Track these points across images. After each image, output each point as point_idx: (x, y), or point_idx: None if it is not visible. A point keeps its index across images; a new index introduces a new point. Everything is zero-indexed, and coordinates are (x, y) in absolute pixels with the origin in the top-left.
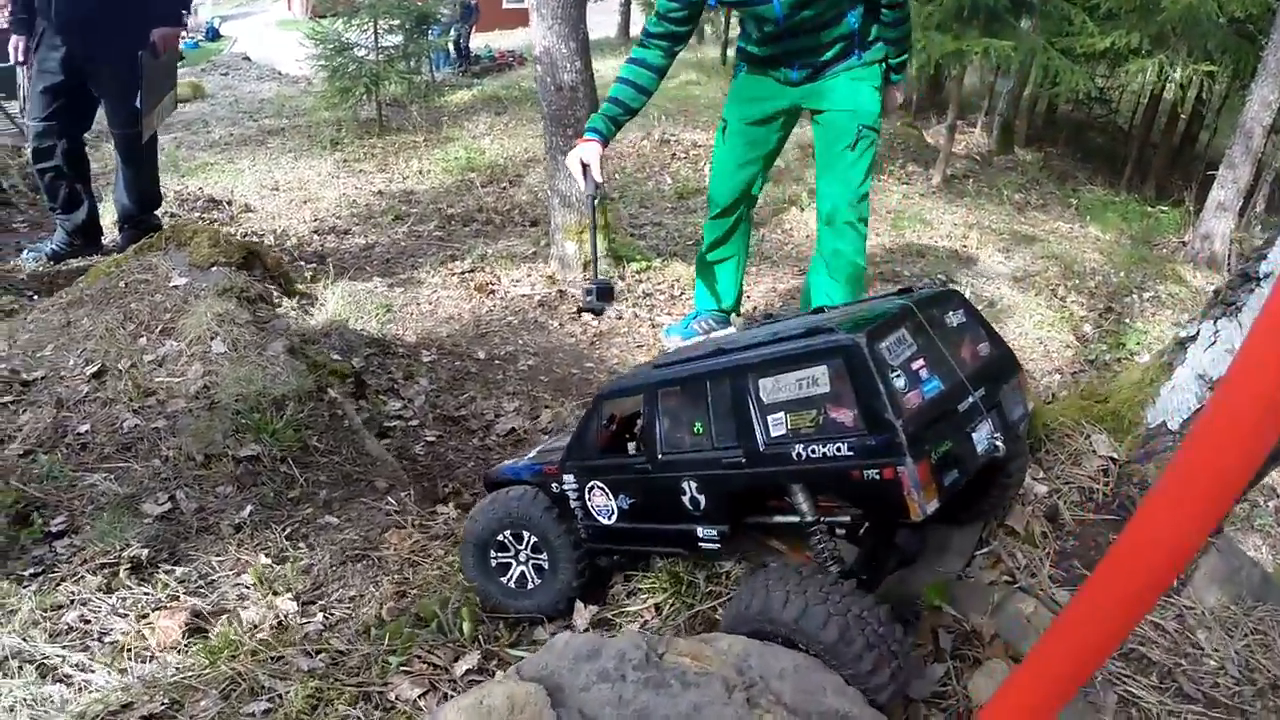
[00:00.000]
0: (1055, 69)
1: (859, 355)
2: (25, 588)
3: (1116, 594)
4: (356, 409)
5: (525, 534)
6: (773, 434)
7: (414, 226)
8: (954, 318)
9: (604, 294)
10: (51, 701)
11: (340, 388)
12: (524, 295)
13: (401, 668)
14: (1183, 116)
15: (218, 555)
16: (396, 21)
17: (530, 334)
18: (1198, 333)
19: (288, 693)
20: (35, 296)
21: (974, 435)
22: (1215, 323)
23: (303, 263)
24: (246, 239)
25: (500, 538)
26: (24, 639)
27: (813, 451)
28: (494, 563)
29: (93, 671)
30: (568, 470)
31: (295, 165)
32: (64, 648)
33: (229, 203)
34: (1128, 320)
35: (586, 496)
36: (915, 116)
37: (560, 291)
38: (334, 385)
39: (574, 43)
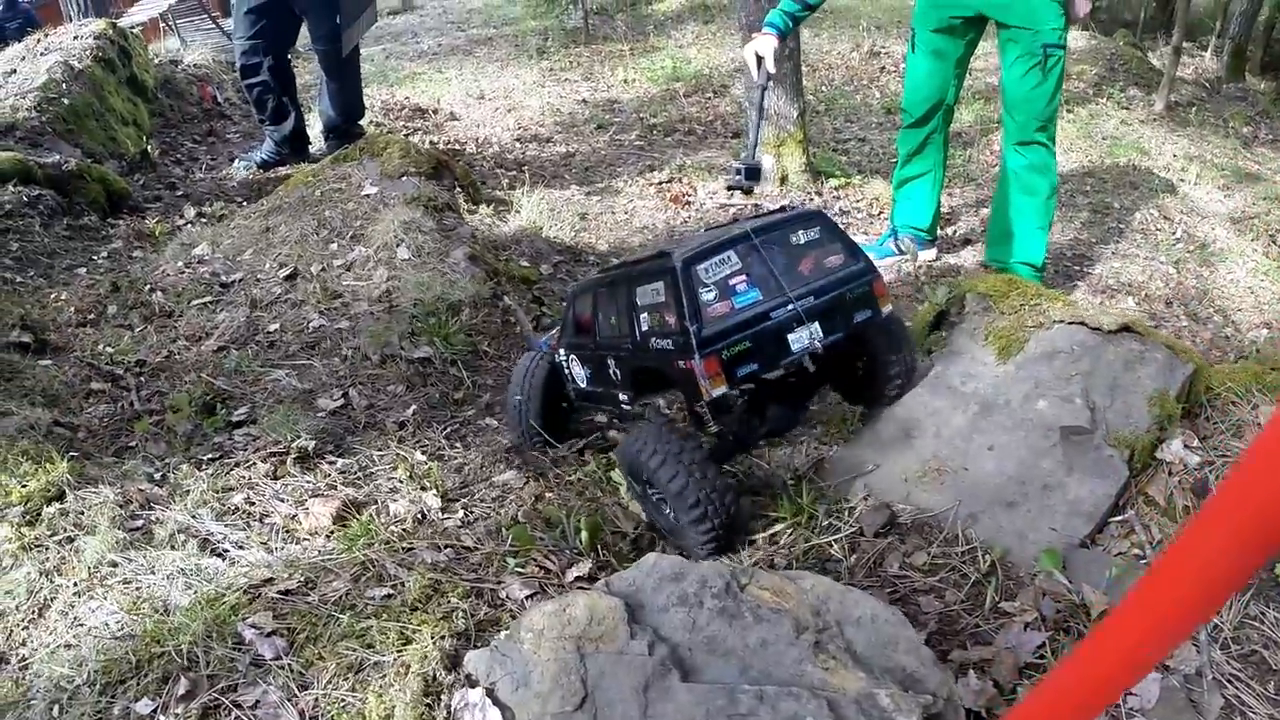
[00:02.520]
0: None
1: (674, 275)
2: (202, 471)
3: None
4: (539, 315)
5: (526, 384)
6: (642, 329)
7: (615, 136)
8: (804, 236)
9: (752, 174)
10: (205, 573)
11: (518, 294)
12: (719, 206)
13: (517, 569)
14: None
15: (379, 450)
16: None
17: None
18: None
19: (408, 581)
20: (244, 204)
21: (789, 336)
22: None
23: (501, 170)
24: (441, 147)
25: (518, 384)
26: (192, 516)
27: (658, 344)
28: (514, 399)
29: (247, 549)
30: (561, 346)
31: (501, 74)
32: (226, 526)
33: (435, 111)
34: None
35: (569, 366)
36: (1142, 36)
37: (756, 205)
38: (510, 293)
39: None
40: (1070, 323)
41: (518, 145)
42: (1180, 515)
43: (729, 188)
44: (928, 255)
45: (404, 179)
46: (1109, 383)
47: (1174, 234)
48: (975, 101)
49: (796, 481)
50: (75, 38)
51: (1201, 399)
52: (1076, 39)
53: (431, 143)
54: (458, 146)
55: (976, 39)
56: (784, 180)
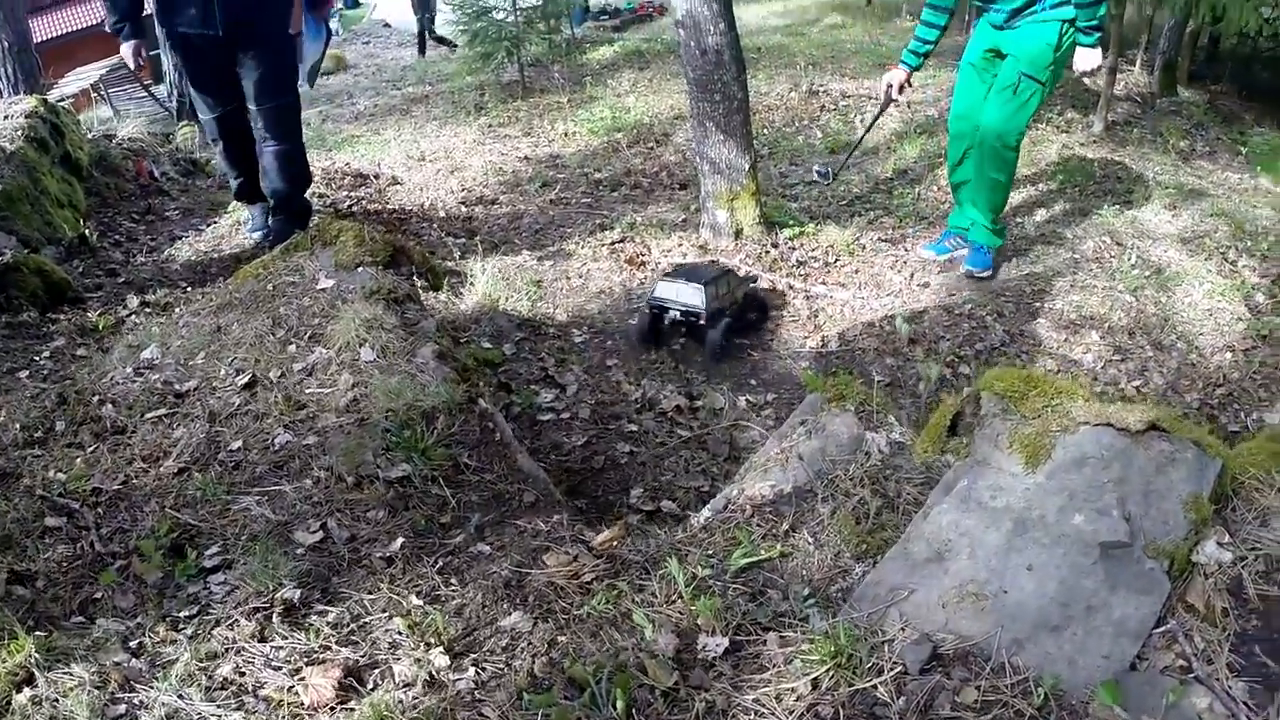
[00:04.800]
0: (1222, 5)
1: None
2: (181, 632)
3: None
4: (508, 403)
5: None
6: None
7: (561, 193)
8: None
9: (824, 175)
10: None
11: (490, 383)
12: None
13: None
14: None
15: (369, 593)
16: None
17: None
18: None
19: None
20: (189, 289)
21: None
22: None
23: (451, 237)
24: (388, 214)
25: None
26: (179, 695)
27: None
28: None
29: None
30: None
31: (441, 133)
32: (219, 706)
33: (376, 176)
34: None
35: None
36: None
37: (713, 261)
38: (485, 395)
39: (717, 4)
40: (1097, 424)
41: (464, 209)
42: (1220, 619)
43: (815, 177)
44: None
45: (360, 270)
46: (1143, 489)
47: (1129, 259)
48: (918, 136)
49: (821, 606)
50: (5, 117)
51: (1228, 490)
52: None
53: (376, 211)
54: (403, 215)
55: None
56: (739, 234)
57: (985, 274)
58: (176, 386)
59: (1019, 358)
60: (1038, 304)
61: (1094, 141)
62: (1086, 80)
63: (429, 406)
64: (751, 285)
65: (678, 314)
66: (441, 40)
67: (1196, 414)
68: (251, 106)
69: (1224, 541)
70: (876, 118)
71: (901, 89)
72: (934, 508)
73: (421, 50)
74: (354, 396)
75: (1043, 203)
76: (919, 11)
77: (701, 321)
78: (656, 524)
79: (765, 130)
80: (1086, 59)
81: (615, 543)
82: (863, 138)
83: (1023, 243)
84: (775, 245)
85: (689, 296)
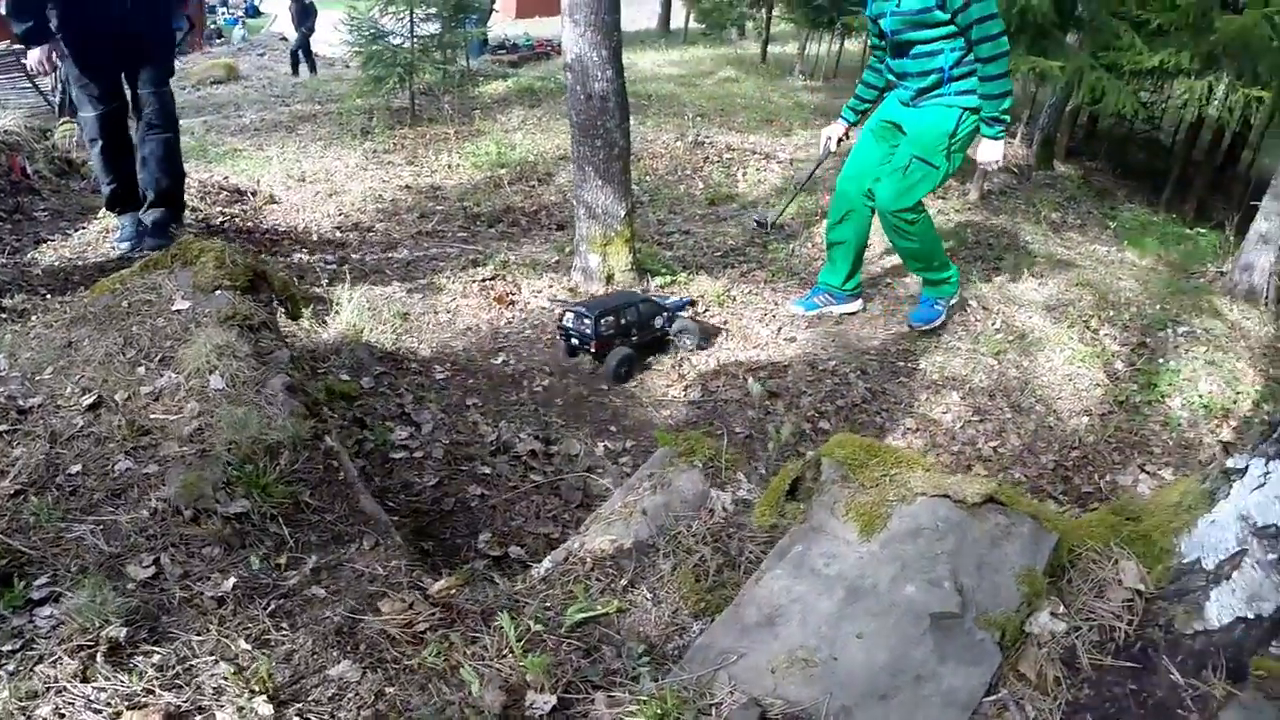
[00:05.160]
0: (1102, 88)
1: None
2: (3, 668)
3: None
4: (360, 438)
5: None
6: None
7: (438, 226)
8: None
9: (762, 225)
10: None
11: (343, 418)
12: (544, 308)
13: None
14: (1227, 135)
15: (198, 634)
16: (433, 10)
17: (546, 351)
18: (1246, 467)
19: None
20: (48, 295)
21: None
22: (1268, 463)
23: (322, 263)
24: (265, 241)
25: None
26: None
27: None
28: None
29: None
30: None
31: (324, 155)
32: None
33: (254, 194)
34: (1161, 358)
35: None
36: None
37: (643, 291)
38: (332, 432)
39: (606, 50)
40: (934, 495)
41: (338, 234)
42: (1052, 688)
43: (755, 224)
44: (850, 307)
45: (218, 293)
46: (976, 561)
47: (994, 325)
48: (798, 194)
49: (655, 665)
50: None
51: (1064, 562)
52: None
53: (249, 230)
54: (276, 236)
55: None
56: (610, 279)
57: (927, 327)
58: (20, 402)
59: (879, 414)
60: (901, 363)
61: (969, 208)
62: (985, 168)
63: (274, 441)
64: (676, 315)
65: (575, 340)
66: (310, 60)
67: (1052, 475)
68: (147, 91)
69: (1058, 612)
70: (815, 169)
71: (839, 141)
72: (768, 572)
73: (294, 68)
74: (199, 425)
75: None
76: (811, 71)
77: (592, 349)
78: (503, 570)
79: (648, 177)
80: (988, 151)
81: (453, 591)
82: (799, 190)
83: (892, 303)
84: (645, 293)
85: (581, 325)
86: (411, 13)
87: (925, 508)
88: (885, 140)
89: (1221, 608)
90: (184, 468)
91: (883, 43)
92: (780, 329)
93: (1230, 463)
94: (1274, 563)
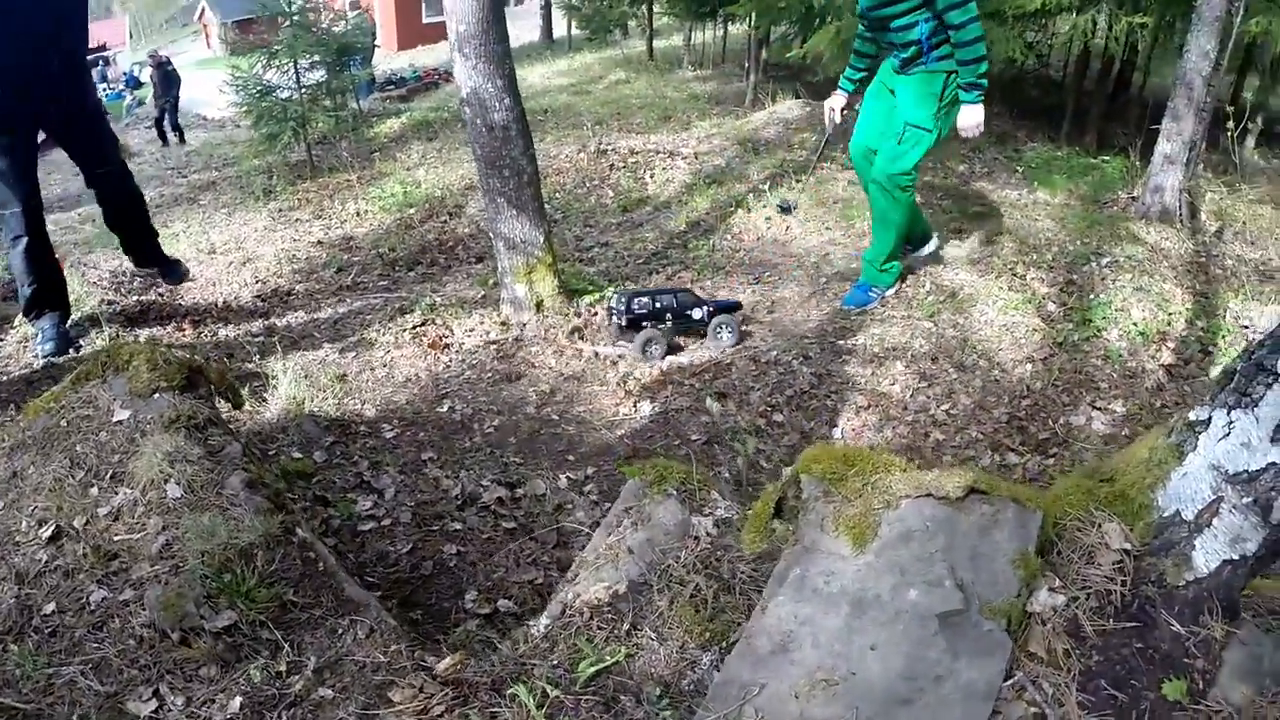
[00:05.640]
0: (990, 38)
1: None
2: None
3: None
4: (326, 517)
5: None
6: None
7: (358, 278)
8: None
9: (786, 207)
10: None
11: (305, 499)
12: (479, 346)
13: None
14: (1116, 63)
15: None
16: (316, 57)
17: (491, 390)
18: (1210, 419)
19: None
20: None
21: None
22: (1229, 413)
23: (249, 337)
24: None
25: None
26: None
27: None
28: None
29: None
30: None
31: (230, 222)
32: None
33: None
34: (1090, 293)
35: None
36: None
37: (517, 336)
38: (301, 521)
39: (500, 80)
40: (917, 496)
41: (260, 303)
42: (1063, 661)
43: (780, 209)
44: (930, 248)
45: (157, 396)
46: (970, 554)
47: (923, 288)
48: (708, 188)
49: (672, 704)
50: None
51: (1050, 536)
52: (791, 108)
53: (169, 315)
54: (197, 316)
55: None
56: (540, 306)
57: (858, 310)
58: None
59: (829, 397)
60: (841, 341)
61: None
62: (966, 136)
63: (246, 543)
64: (720, 311)
65: (614, 316)
66: (177, 129)
67: (1007, 427)
68: (101, 169)
69: (1055, 587)
70: (825, 141)
71: (844, 111)
72: (771, 599)
73: (163, 138)
74: (166, 540)
75: (836, 241)
76: (700, 61)
77: (623, 323)
78: (497, 627)
79: (557, 194)
80: (969, 115)
81: (459, 667)
82: (815, 165)
83: (822, 281)
84: (578, 314)
85: (619, 304)
86: (295, 63)
87: (911, 510)
88: (883, 98)
89: (1208, 554)
90: (161, 588)
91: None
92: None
93: (1192, 415)
94: (1250, 505)
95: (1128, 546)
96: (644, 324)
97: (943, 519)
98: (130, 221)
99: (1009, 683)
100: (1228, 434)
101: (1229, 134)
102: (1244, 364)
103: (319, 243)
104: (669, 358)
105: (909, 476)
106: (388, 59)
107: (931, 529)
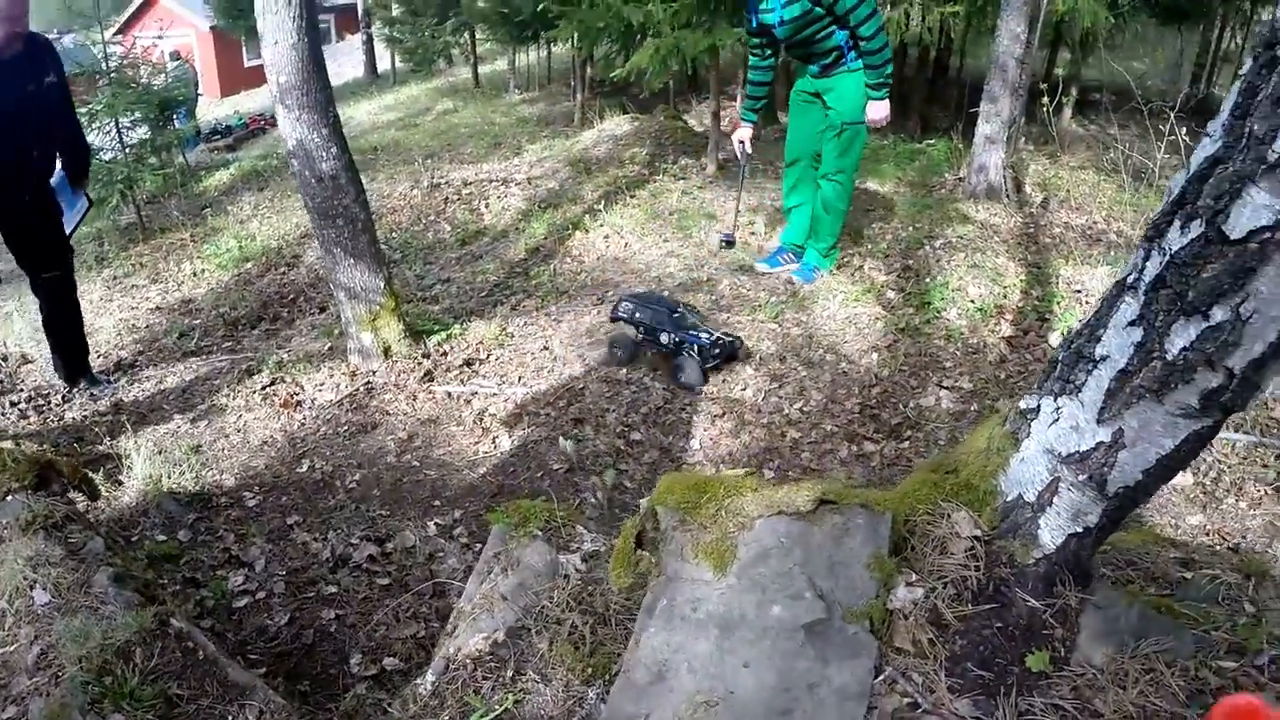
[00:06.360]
0: None
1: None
2: None
3: None
4: (199, 599)
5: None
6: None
7: (200, 342)
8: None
9: (729, 242)
10: None
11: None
12: (331, 400)
13: None
14: (933, 51)
15: None
16: (138, 114)
17: (348, 443)
18: (1039, 406)
19: None
20: None
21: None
22: (1056, 399)
23: (97, 415)
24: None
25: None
26: None
27: None
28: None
29: None
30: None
31: None
32: None
33: (4, 358)
34: (926, 276)
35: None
36: (675, 105)
37: (368, 385)
38: (176, 612)
39: (325, 129)
40: (770, 515)
41: (103, 379)
42: (929, 650)
43: (720, 245)
44: (791, 269)
45: (10, 499)
46: (827, 564)
47: (764, 289)
48: (544, 213)
49: None
50: None
51: (902, 533)
52: (620, 124)
53: (14, 403)
54: (41, 401)
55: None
56: (388, 352)
57: (808, 285)
58: None
59: (684, 410)
60: None
61: (710, 182)
62: (875, 125)
63: (122, 641)
64: (688, 345)
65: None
66: None
67: (860, 417)
68: (43, 275)
69: (912, 581)
70: (744, 174)
71: (750, 142)
72: (643, 632)
73: None
74: (40, 649)
75: (675, 253)
76: (526, 84)
77: (610, 319)
78: (385, 687)
79: (394, 234)
80: (877, 110)
81: None
82: (740, 197)
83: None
84: (427, 355)
85: (616, 304)
86: (117, 122)
87: (766, 528)
88: (811, 108)
89: (1053, 531)
90: (44, 700)
91: (768, 47)
92: (561, 354)
93: (1023, 404)
94: (1086, 481)
95: (977, 533)
96: (623, 328)
97: (797, 534)
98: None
99: (880, 679)
100: (1057, 419)
101: (1045, 108)
102: (1065, 353)
103: (158, 308)
104: (522, 389)
105: (760, 496)
106: (211, 106)
107: (787, 544)
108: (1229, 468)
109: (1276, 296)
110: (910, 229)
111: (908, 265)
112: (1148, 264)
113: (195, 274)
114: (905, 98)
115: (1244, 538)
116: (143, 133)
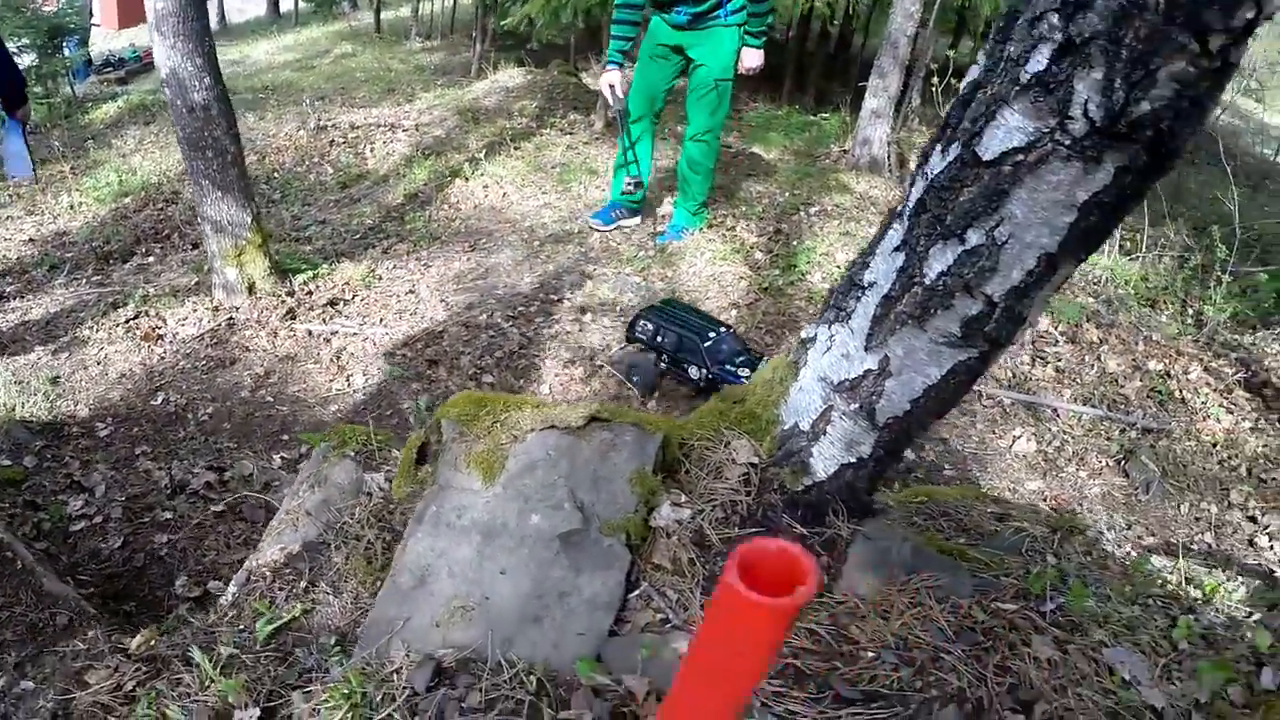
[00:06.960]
0: None
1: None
2: None
3: None
4: (36, 521)
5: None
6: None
7: (71, 274)
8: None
9: (637, 186)
10: None
11: (13, 505)
12: (193, 335)
13: None
14: (834, 26)
15: None
16: (26, 40)
17: (205, 377)
18: (815, 335)
19: None
20: None
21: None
22: (830, 327)
23: None
24: None
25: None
26: None
27: None
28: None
29: None
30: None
31: None
32: None
33: None
34: (796, 240)
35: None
36: (572, 62)
37: (230, 320)
38: None
39: (200, 59)
40: (542, 429)
41: None
42: (688, 569)
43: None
44: (633, 221)
45: None
46: (590, 478)
47: (633, 244)
48: (427, 159)
49: (344, 653)
50: None
51: (678, 456)
52: (513, 76)
53: None
54: None
55: (683, 65)
56: (252, 289)
57: (677, 244)
58: None
59: (536, 355)
60: (553, 298)
61: (597, 139)
62: (749, 73)
63: None
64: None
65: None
66: None
67: None
68: None
69: (679, 502)
70: (619, 115)
71: (621, 85)
72: (411, 537)
73: None
74: None
75: (552, 205)
76: (429, 33)
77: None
78: (205, 609)
79: (276, 174)
80: (752, 58)
81: (153, 643)
82: (625, 139)
83: (536, 245)
84: (291, 293)
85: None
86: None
87: (536, 442)
88: (666, 61)
89: (825, 460)
90: None
91: None
92: (425, 297)
93: (803, 334)
94: (857, 410)
95: (755, 460)
96: (642, 350)
97: (565, 447)
98: None
99: (635, 594)
100: (830, 347)
101: (933, 89)
102: (841, 282)
103: (30, 240)
104: (382, 330)
105: (536, 412)
106: (107, 38)
107: (554, 457)
108: (1073, 438)
109: (1031, 221)
110: (788, 194)
111: (780, 229)
112: (913, 190)
113: (72, 207)
114: (803, 71)
115: (1080, 505)
116: (30, 60)
